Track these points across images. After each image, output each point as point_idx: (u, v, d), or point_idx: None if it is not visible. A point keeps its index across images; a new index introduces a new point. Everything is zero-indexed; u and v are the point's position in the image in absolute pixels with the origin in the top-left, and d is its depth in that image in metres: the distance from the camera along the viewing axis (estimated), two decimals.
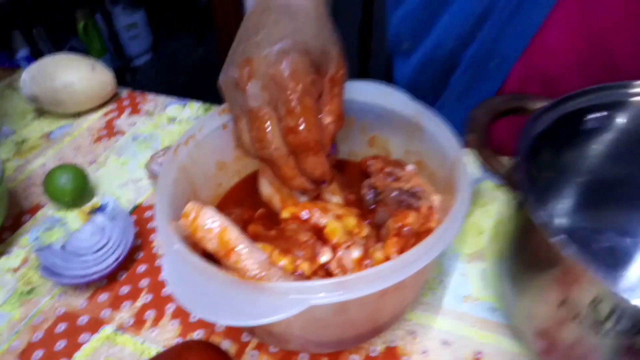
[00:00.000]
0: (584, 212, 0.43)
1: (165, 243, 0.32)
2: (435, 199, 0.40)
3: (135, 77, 2.15)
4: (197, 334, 0.39)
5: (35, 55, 1.89)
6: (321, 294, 0.28)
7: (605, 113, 0.37)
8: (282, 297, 0.28)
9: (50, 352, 0.39)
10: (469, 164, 0.36)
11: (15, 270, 0.45)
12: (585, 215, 0.43)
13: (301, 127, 0.33)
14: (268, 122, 0.34)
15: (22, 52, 1.88)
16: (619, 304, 0.26)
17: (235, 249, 0.36)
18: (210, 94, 0.70)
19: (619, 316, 0.26)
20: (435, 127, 0.40)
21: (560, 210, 0.43)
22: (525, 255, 0.33)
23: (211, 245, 0.36)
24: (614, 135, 0.38)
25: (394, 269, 0.29)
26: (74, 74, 0.63)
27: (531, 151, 0.34)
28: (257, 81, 0.34)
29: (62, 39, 2.05)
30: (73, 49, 2.09)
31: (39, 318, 0.41)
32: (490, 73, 0.55)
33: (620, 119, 0.37)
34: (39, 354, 0.38)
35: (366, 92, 0.44)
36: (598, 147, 0.39)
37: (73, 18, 2.10)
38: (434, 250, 0.30)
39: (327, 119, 0.35)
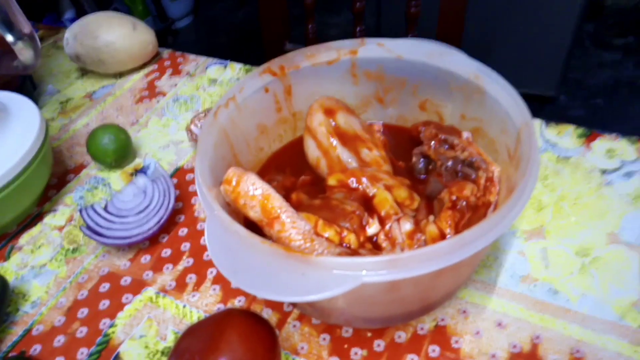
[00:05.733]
0: None
1: (207, 209, 0.31)
2: (495, 170, 0.37)
3: (177, 40, 2.15)
4: (238, 301, 0.38)
5: (81, 16, 1.91)
6: (373, 271, 0.25)
7: None
8: (330, 273, 0.26)
9: (94, 310, 0.39)
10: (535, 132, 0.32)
11: (61, 228, 0.46)
12: None
13: None
14: None
15: (69, 14, 1.90)
16: None
17: (279, 218, 0.34)
18: (250, 56, 0.67)
19: None
20: (498, 90, 0.36)
21: None
22: None
23: (254, 213, 0.35)
24: None
25: (451, 249, 0.26)
26: (115, 33, 0.62)
27: None
28: None
29: (107, 1, 2.06)
30: (116, 11, 2.09)
31: (83, 277, 0.42)
32: None
33: None
34: (84, 312, 0.39)
35: (418, 51, 0.41)
36: None
37: None
38: (495, 231, 0.27)
39: None
